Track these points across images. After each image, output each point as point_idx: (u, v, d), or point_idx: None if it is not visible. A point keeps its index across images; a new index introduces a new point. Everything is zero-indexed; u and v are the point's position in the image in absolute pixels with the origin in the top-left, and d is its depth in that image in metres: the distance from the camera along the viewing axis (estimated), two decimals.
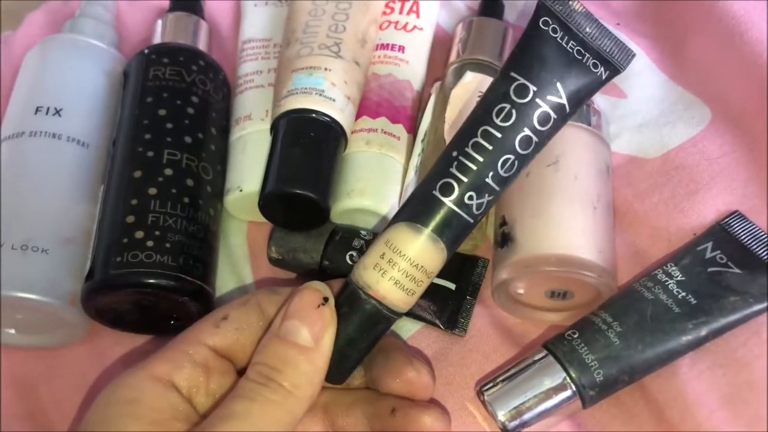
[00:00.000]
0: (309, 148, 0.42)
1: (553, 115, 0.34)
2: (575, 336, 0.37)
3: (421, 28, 0.50)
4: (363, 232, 0.43)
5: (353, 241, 0.43)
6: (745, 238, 0.40)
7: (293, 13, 0.48)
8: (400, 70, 0.48)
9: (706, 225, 0.41)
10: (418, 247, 0.34)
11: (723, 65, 0.46)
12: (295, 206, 0.41)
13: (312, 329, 0.33)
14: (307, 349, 0.33)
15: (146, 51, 0.48)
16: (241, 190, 0.45)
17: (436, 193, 0.34)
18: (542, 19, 0.34)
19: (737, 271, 0.38)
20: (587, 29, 0.34)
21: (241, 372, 0.36)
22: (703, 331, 0.37)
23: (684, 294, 0.38)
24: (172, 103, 0.45)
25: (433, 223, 0.34)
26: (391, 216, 0.43)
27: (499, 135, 0.34)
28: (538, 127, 0.34)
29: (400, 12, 0.50)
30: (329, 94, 0.43)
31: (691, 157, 0.44)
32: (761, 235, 0.40)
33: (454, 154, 0.34)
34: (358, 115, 0.46)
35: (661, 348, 0.36)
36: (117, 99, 0.48)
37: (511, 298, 0.41)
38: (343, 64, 0.44)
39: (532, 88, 0.34)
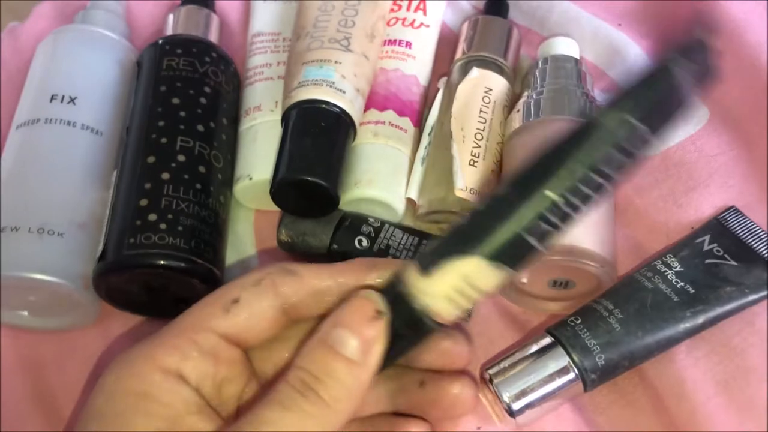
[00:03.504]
0: (320, 137, 0.43)
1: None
2: (578, 322, 0.38)
3: (428, 26, 0.51)
4: (371, 219, 0.44)
5: (362, 227, 0.44)
6: (740, 232, 0.41)
7: (303, 9, 0.49)
8: (407, 66, 0.49)
9: (704, 220, 0.43)
10: (494, 283, 0.31)
11: (721, 67, 0.47)
12: (305, 194, 0.42)
13: (363, 343, 0.31)
14: (354, 363, 0.31)
15: (160, 42, 0.48)
16: (250, 179, 0.46)
17: (530, 239, 0.30)
18: None
19: (733, 263, 0.40)
20: None
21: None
22: (700, 320, 0.38)
23: (682, 284, 0.39)
24: (185, 93, 0.46)
25: (515, 262, 0.31)
26: (397, 206, 0.45)
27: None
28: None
29: (408, 9, 0.51)
30: (339, 86, 0.44)
31: (690, 155, 0.45)
32: (756, 230, 0.41)
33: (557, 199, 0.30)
34: (366, 108, 0.47)
35: (660, 335, 0.37)
36: (129, 89, 0.49)
37: (514, 287, 0.42)
38: (353, 57, 0.46)
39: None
